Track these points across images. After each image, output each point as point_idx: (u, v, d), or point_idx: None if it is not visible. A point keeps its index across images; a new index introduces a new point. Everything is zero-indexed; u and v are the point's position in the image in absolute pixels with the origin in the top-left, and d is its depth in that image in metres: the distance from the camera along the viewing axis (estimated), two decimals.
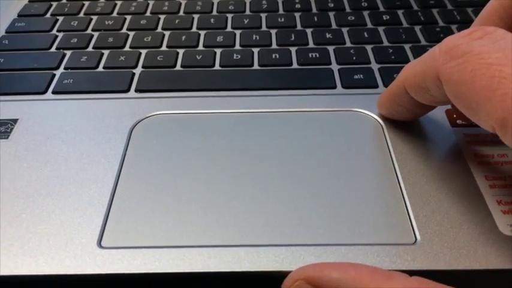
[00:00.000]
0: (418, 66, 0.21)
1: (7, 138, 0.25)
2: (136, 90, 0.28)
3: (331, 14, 0.35)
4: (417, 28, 0.33)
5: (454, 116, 0.25)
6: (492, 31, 0.18)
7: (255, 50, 0.31)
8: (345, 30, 0.33)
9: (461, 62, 0.18)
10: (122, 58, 0.31)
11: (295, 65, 0.30)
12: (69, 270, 0.19)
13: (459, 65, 0.18)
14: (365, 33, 0.32)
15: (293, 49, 0.31)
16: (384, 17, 0.34)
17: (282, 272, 0.19)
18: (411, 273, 0.16)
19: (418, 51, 0.30)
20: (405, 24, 0.34)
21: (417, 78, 0.21)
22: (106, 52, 0.31)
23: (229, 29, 0.34)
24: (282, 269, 0.19)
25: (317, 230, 0.20)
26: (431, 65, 0.19)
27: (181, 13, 0.36)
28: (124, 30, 0.34)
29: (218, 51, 0.31)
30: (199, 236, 0.20)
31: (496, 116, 0.17)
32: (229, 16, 0.35)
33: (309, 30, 0.33)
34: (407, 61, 0.30)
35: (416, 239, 0.20)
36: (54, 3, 0.37)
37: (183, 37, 0.33)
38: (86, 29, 0.34)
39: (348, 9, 0.36)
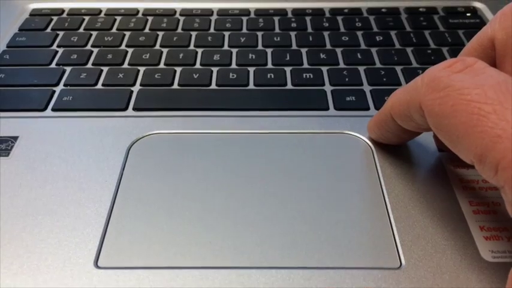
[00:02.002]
0: (403, 94, 0.22)
1: (7, 155, 0.25)
2: (134, 109, 0.29)
3: (326, 34, 0.36)
4: (409, 50, 0.34)
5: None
6: (472, 63, 0.19)
7: (251, 70, 0.32)
8: (338, 50, 0.34)
9: (443, 95, 0.18)
10: (121, 75, 0.31)
11: (289, 86, 0.31)
12: None
13: (440, 98, 0.19)
14: (358, 54, 0.33)
15: (288, 69, 0.32)
16: (377, 38, 0.35)
17: None
18: None
19: (409, 74, 0.31)
20: (397, 46, 0.35)
21: (402, 106, 0.21)
22: (105, 69, 0.32)
23: (226, 47, 0.35)
24: None
25: (306, 253, 0.21)
26: (415, 95, 0.20)
27: (179, 30, 0.37)
28: (123, 46, 0.35)
29: (215, 69, 0.32)
30: (192, 258, 0.21)
31: (474, 151, 0.17)
32: (226, 34, 0.36)
33: (303, 50, 0.34)
34: (398, 83, 0.31)
35: (401, 263, 0.20)
36: (55, 18, 0.38)
37: (181, 55, 0.34)
38: (86, 44, 0.35)
39: (342, 29, 0.36)
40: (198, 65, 0.33)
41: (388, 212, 0.22)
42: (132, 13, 0.38)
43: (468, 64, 0.19)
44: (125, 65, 0.33)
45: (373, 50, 0.34)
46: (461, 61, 0.19)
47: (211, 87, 0.31)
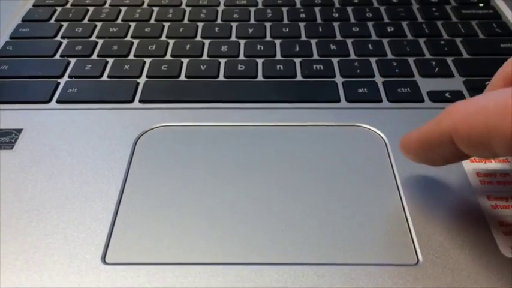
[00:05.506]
0: (479, 117, 0.16)
1: (11, 148, 0.25)
2: (140, 101, 0.28)
3: (336, 25, 0.35)
4: (421, 40, 0.33)
5: None
6: None
7: (259, 61, 0.31)
8: (349, 41, 0.33)
9: None
10: (127, 67, 0.31)
11: (299, 77, 0.30)
12: (73, 286, 0.19)
13: None
14: (369, 45, 0.32)
15: (297, 60, 0.31)
16: (389, 29, 0.34)
17: None
18: None
19: (423, 65, 0.31)
20: (409, 37, 0.34)
21: (476, 131, 0.17)
22: (110, 60, 0.31)
23: (233, 38, 0.34)
24: None
25: (320, 249, 0.20)
26: (502, 124, 0.15)
27: (185, 21, 0.36)
28: (128, 37, 0.34)
29: (222, 61, 0.31)
30: (202, 254, 0.20)
31: None
32: (234, 25, 0.35)
33: (313, 41, 0.33)
34: (411, 75, 0.30)
35: (418, 260, 0.20)
36: (59, 8, 0.37)
37: (188, 46, 0.33)
38: (91, 36, 0.34)
39: (352, 20, 0.36)
40: (205, 56, 0.32)
41: (403, 207, 0.22)
42: (137, 4, 0.38)
43: None
44: (131, 57, 0.32)
45: (385, 41, 0.33)
46: None
47: (219, 79, 0.30)
